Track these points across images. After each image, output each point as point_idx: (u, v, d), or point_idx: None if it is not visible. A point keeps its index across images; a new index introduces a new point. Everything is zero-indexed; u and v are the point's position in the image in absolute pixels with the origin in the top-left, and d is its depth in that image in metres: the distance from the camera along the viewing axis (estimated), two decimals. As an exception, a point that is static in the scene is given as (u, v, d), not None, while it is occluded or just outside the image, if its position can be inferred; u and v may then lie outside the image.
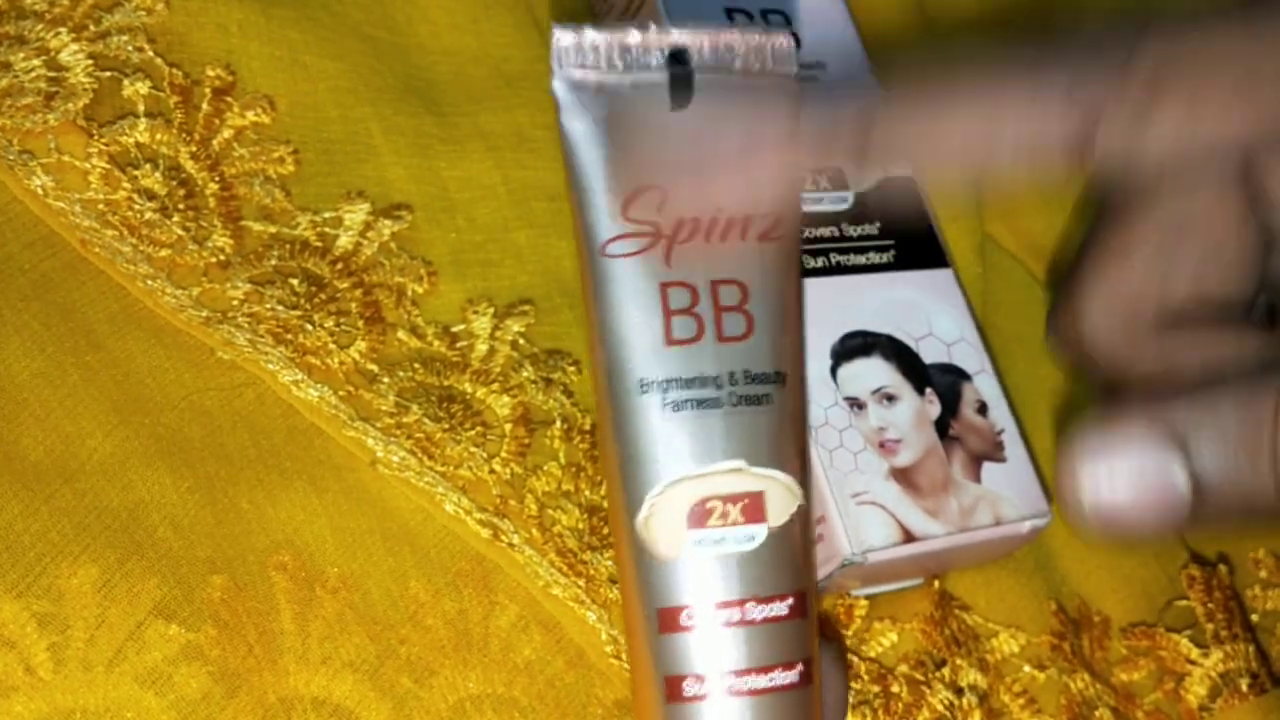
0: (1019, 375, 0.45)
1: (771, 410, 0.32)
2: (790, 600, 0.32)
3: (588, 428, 0.38)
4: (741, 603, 0.31)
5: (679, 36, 0.33)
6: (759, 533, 0.32)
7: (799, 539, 0.32)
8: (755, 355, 0.32)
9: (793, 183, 0.34)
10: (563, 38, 0.33)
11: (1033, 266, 0.48)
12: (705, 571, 0.31)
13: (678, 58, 0.33)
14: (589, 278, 0.33)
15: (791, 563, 0.32)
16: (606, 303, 0.32)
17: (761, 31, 0.34)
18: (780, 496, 0.32)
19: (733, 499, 0.32)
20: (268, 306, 0.37)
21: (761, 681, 0.31)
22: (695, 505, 0.31)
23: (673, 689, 0.31)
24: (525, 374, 0.39)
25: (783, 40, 0.34)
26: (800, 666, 0.32)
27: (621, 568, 0.32)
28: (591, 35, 0.33)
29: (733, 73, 0.33)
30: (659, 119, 0.33)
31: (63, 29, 0.37)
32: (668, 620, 0.31)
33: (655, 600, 0.31)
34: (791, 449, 0.33)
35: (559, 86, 0.33)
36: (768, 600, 0.32)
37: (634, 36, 0.33)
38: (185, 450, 0.35)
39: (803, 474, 0.33)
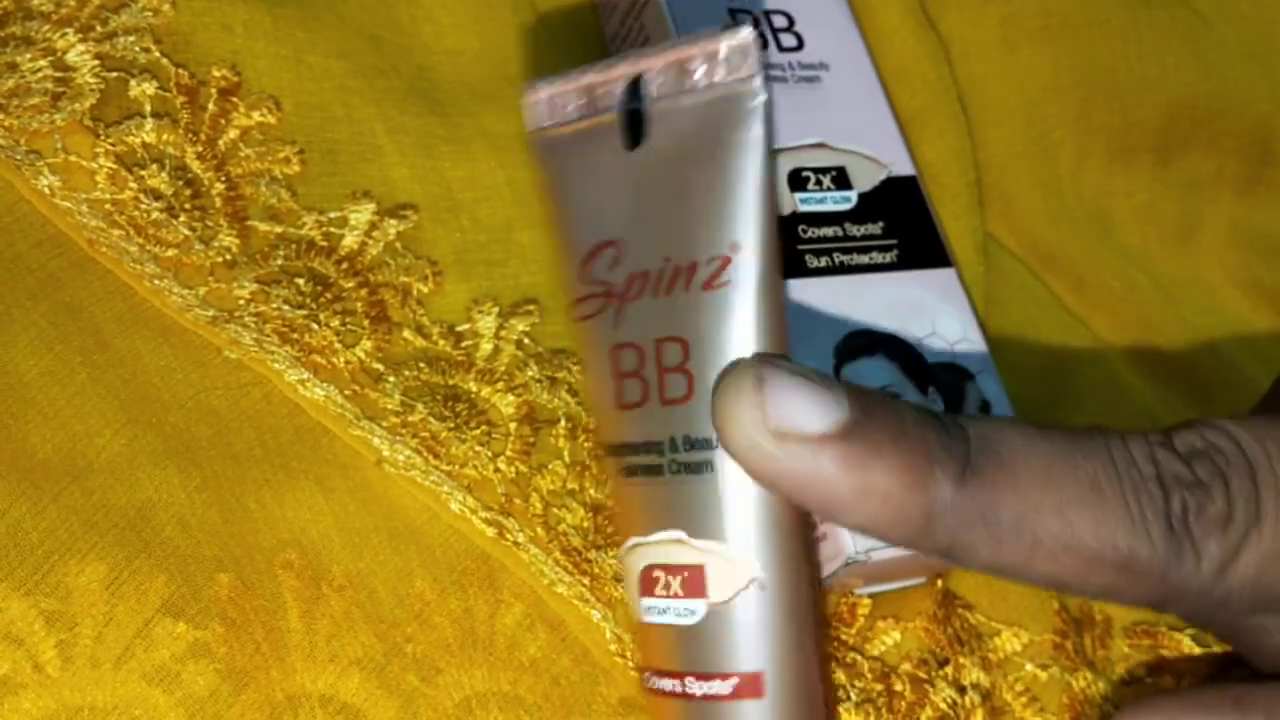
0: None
1: (712, 478, 0.30)
2: (735, 680, 0.30)
3: (592, 426, 0.38)
4: (682, 675, 0.31)
5: (638, 63, 0.31)
6: (698, 607, 0.30)
7: (752, 616, 0.30)
8: (695, 419, 0.30)
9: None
10: (533, 95, 0.32)
11: (1035, 266, 0.48)
12: (656, 638, 0.31)
13: (634, 91, 0.31)
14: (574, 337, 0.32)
15: (736, 642, 0.30)
16: (584, 364, 0.32)
17: (720, 35, 0.30)
18: (723, 571, 0.30)
19: (673, 570, 0.30)
20: (274, 306, 0.37)
21: None
22: (644, 572, 0.31)
23: None
24: (530, 373, 0.39)
25: (742, 41, 0.30)
26: None
27: None
28: (559, 85, 0.32)
29: (689, 93, 0.31)
30: (614, 163, 0.31)
31: (69, 29, 0.37)
32: (642, 677, 0.32)
33: (640, 653, 0.32)
34: (740, 517, 0.30)
35: (532, 147, 0.32)
36: (706, 678, 0.30)
37: (591, 77, 0.32)
38: (192, 449, 0.35)
39: (769, 544, 0.30)
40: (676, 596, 0.30)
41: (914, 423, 0.28)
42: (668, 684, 0.31)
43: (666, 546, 0.31)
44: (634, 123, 0.31)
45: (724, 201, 0.30)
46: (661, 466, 0.31)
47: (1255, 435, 0.30)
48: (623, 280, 0.31)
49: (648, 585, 0.31)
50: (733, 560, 0.30)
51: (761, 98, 0.30)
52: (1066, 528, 0.29)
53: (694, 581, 0.30)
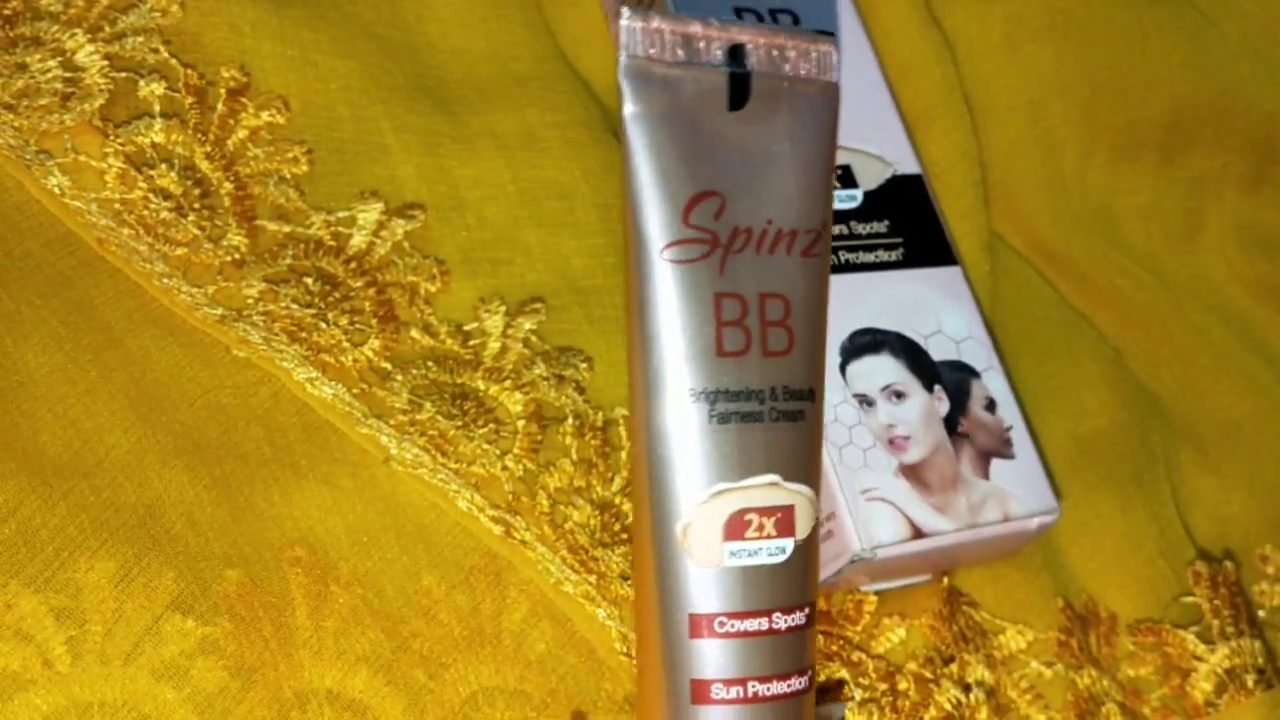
0: (1026, 372, 0.45)
1: (805, 427, 0.33)
2: (808, 610, 0.33)
3: (600, 424, 0.39)
4: (770, 613, 0.32)
5: (738, 34, 0.33)
6: (789, 546, 0.32)
7: (814, 551, 0.33)
8: (795, 371, 0.33)
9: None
10: (632, 21, 0.32)
11: (1040, 264, 0.48)
12: (739, 581, 0.32)
13: (737, 56, 0.33)
14: (641, 279, 0.32)
15: (811, 574, 0.33)
16: (658, 307, 0.32)
17: (809, 36, 0.34)
18: (806, 511, 0.32)
19: (768, 512, 0.32)
20: (282, 305, 0.37)
21: (781, 687, 0.32)
22: (733, 516, 0.32)
23: (700, 692, 0.32)
24: (537, 371, 0.39)
25: (828, 47, 0.34)
26: (809, 672, 0.33)
27: (645, 570, 0.33)
28: (658, 22, 0.33)
29: (783, 77, 0.33)
30: (718, 120, 0.33)
31: (78, 30, 0.38)
32: (699, 626, 0.32)
33: (687, 606, 0.32)
34: (816, 465, 0.33)
35: (625, 72, 0.32)
36: (791, 610, 0.32)
37: (696, 28, 0.33)
38: (201, 447, 0.35)
39: (819, 487, 0.33)
40: (770, 537, 0.32)
41: None
42: (752, 624, 0.32)
43: (762, 490, 0.32)
44: (740, 86, 0.33)
45: (820, 181, 0.34)
46: (762, 414, 0.32)
47: None
48: (728, 232, 0.32)
49: (737, 529, 0.32)
50: (810, 500, 0.33)
51: (839, 102, 0.34)
52: None
53: (786, 521, 0.32)
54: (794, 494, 0.32)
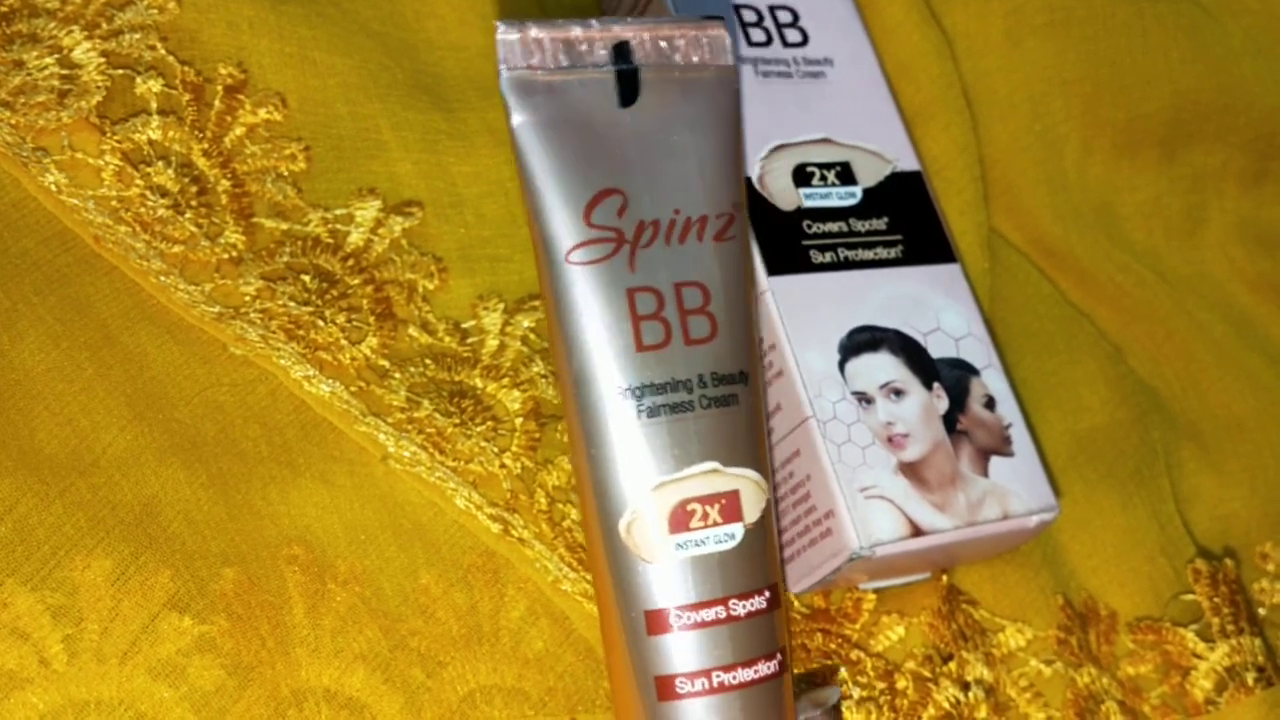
0: (1026, 370, 0.45)
1: (739, 410, 0.33)
2: (767, 593, 0.32)
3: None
4: (725, 600, 0.32)
5: (621, 31, 0.33)
6: (737, 531, 0.32)
7: (770, 533, 0.33)
8: (721, 357, 0.33)
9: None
10: (507, 34, 0.33)
11: (1040, 261, 0.48)
12: (689, 572, 0.32)
13: (622, 53, 0.33)
14: (552, 286, 0.33)
15: (766, 557, 0.33)
16: (573, 311, 0.33)
17: (697, 23, 0.34)
18: (752, 494, 0.32)
19: (710, 500, 0.32)
20: (280, 303, 0.37)
21: (748, 674, 0.32)
22: (675, 508, 0.32)
23: (665, 689, 0.32)
24: (535, 369, 0.39)
25: (718, 31, 0.34)
26: (779, 656, 0.32)
27: (599, 573, 0.33)
28: (535, 31, 0.33)
29: (673, 67, 0.34)
30: (609, 118, 0.33)
31: (75, 27, 0.38)
32: (656, 622, 0.32)
33: (641, 603, 0.32)
34: (758, 446, 0.33)
35: (507, 85, 0.33)
36: (748, 595, 0.32)
37: (576, 31, 0.33)
38: (199, 445, 0.35)
39: (767, 469, 0.33)
40: (715, 525, 0.32)
41: None
42: (709, 614, 0.32)
43: (701, 479, 0.32)
44: (627, 82, 0.33)
45: (726, 165, 0.34)
46: (691, 403, 0.32)
47: None
48: (633, 227, 0.33)
49: (681, 520, 0.32)
50: (756, 482, 0.32)
51: (738, 83, 0.35)
52: None
53: (731, 507, 0.32)
54: (737, 478, 0.32)
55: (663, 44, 0.34)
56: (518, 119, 0.33)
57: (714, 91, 0.34)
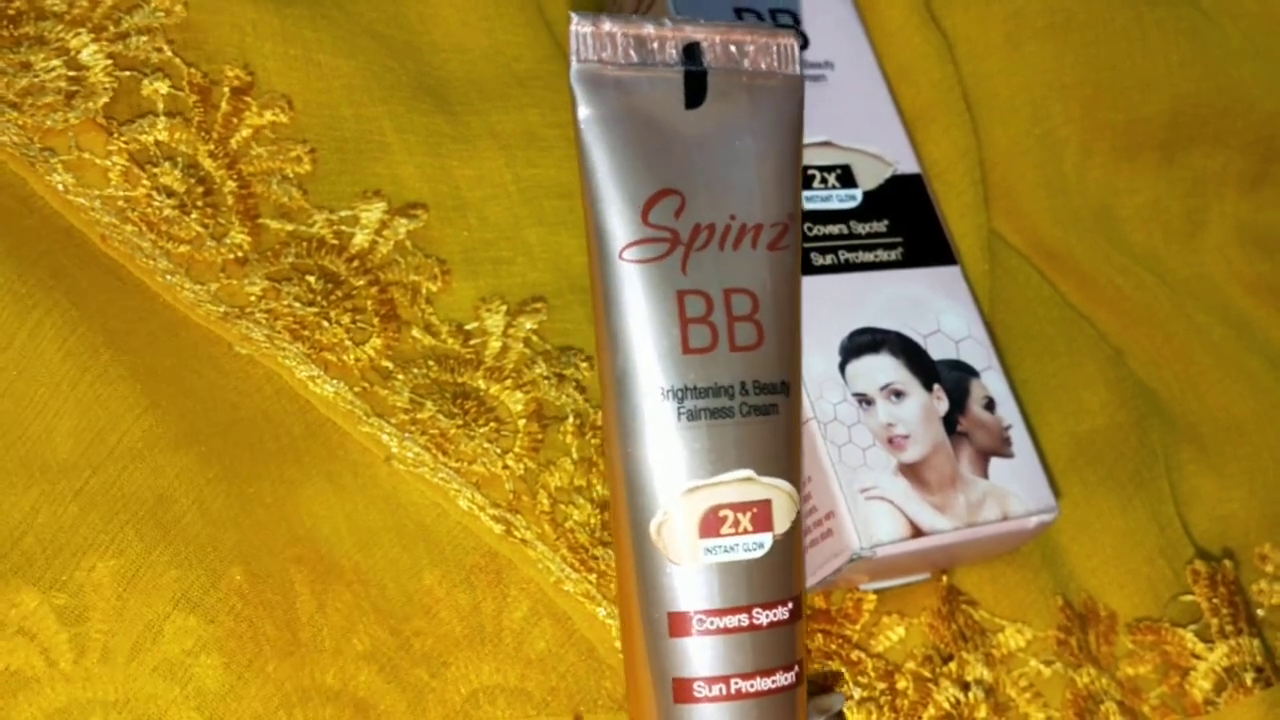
0: (1026, 372, 0.45)
1: (778, 420, 0.33)
2: (790, 605, 0.32)
3: (600, 423, 0.39)
4: (749, 608, 0.32)
5: (693, 32, 0.33)
6: (766, 541, 0.32)
7: (797, 545, 0.33)
8: (765, 365, 0.33)
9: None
10: (581, 26, 0.33)
11: (1039, 263, 0.48)
12: (716, 578, 0.32)
13: (692, 54, 0.33)
14: (604, 280, 0.32)
15: (792, 569, 0.33)
16: (623, 307, 0.32)
17: (768, 31, 0.34)
18: (784, 505, 0.32)
19: (743, 508, 0.32)
20: (285, 303, 0.37)
21: (766, 684, 0.32)
22: (708, 513, 0.32)
23: (682, 691, 0.32)
24: (538, 370, 0.39)
25: (789, 40, 0.34)
26: (796, 668, 0.32)
27: (625, 572, 0.33)
28: (608, 25, 0.33)
29: (741, 73, 0.34)
30: (674, 118, 0.33)
31: (82, 29, 0.38)
32: (679, 624, 0.32)
33: (665, 605, 0.32)
34: (793, 458, 0.33)
35: (577, 77, 0.32)
36: (772, 605, 0.32)
37: (649, 29, 0.33)
38: (210, 438, 0.35)
39: (800, 481, 0.33)
40: (746, 533, 0.32)
41: None
42: (732, 620, 0.32)
43: (735, 485, 0.32)
44: (695, 84, 0.33)
45: (785, 175, 0.34)
46: (732, 409, 0.32)
47: None
48: (689, 229, 0.32)
49: (712, 525, 0.32)
50: (789, 494, 0.32)
51: (802, 95, 0.34)
52: None
53: (763, 516, 0.32)
54: (770, 488, 0.32)
55: (733, 49, 0.33)
56: (584, 112, 0.32)
57: (780, 100, 0.34)
